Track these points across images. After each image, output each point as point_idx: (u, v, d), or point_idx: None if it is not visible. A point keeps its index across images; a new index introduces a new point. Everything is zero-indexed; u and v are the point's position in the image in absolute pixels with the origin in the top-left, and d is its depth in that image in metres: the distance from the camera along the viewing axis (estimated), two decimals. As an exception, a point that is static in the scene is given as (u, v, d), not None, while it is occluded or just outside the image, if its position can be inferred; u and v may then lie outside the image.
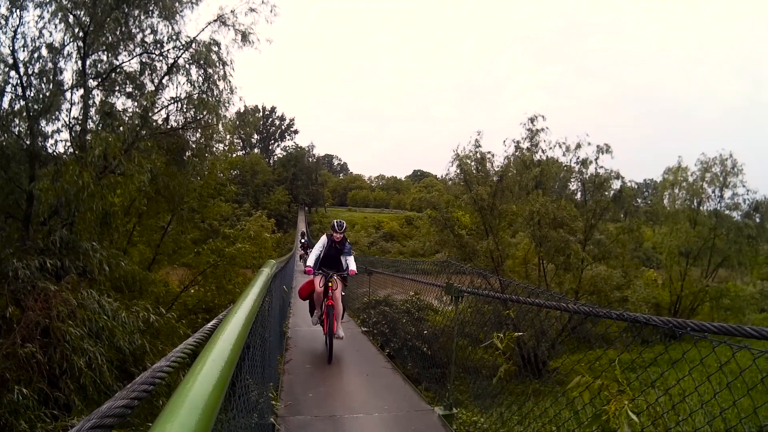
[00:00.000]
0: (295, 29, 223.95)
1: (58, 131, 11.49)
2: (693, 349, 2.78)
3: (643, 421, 3.12)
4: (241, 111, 24.91)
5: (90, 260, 9.65)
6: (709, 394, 3.01)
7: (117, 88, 12.43)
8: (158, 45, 12.71)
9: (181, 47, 12.87)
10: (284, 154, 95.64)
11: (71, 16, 11.10)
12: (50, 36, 11.21)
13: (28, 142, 10.84)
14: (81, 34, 11.27)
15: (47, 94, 10.96)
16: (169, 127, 13.75)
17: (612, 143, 22.24)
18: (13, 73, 10.84)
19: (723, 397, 3.03)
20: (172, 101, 13.27)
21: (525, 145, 22.94)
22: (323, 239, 8.25)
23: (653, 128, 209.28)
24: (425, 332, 9.74)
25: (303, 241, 29.89)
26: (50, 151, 11.48)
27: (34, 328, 6.96)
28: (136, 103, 12.44)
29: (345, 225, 8.25)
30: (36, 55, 11.12)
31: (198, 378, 1.13)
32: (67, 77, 11.67)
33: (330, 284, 7.84)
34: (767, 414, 4.40)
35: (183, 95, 13.23)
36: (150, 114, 12.49)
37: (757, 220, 26.00)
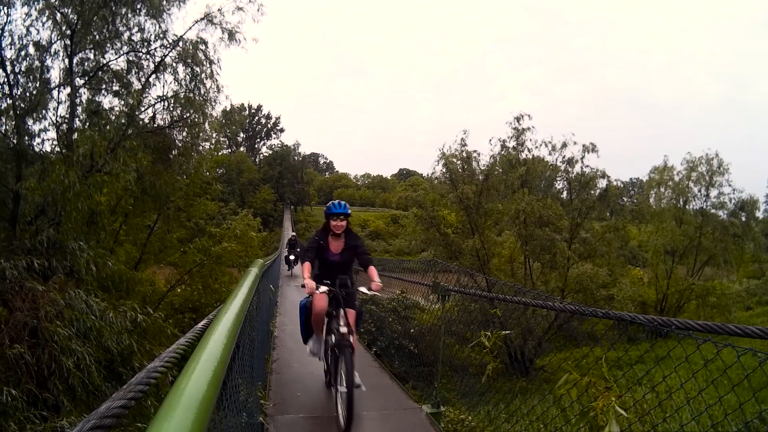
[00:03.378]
0: (281, 28, 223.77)
1: (45, 130, 11.43)
2: (678, 346, 2.79)
3: (630, 417, 3.17)
4: (228, 109, 25.00)
5: (77, 260, 9.60)
6: (695, 391, 3.06)
7: (104, 86, 12.38)
8: (145, 43, 12.71)
9: (168, 46, 12.90)
10: (270, 152, 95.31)
11: (59, 14, 11.08)
12: (37, 34, 11.21)
13: (14, 141, 10.76)
14: (68, 32, 11.23)
15: (34, 92, 10.93)
16: (155, 125, 13.76)
17: (598, 142, 22.28)
18: None
19: (710, 393, 3.08)
20: (159, 100, 13.32)
21: (511, 144, 22.93)
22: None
23: (640, 127, 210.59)
24: (412, 331, 9.76)
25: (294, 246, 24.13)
26: (37, 149, 11.41)
27: (22, 328, 6.93)
28: (122, 102, 12.40)
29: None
30: (23, 53, 11.09)
31: (192, 377, 1.17)
32: (54, 75, 11.65)
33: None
34: (753, 410, 4.51)
35: (170, 94, 13.29)
36: (136, 113, 12.46)
37: (743, 218, 26.30)
